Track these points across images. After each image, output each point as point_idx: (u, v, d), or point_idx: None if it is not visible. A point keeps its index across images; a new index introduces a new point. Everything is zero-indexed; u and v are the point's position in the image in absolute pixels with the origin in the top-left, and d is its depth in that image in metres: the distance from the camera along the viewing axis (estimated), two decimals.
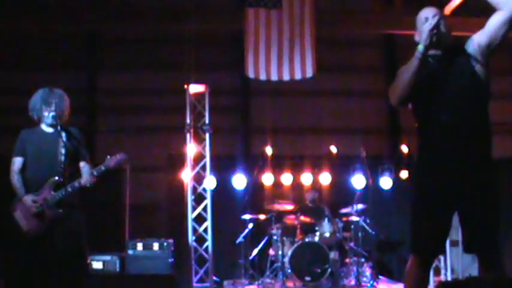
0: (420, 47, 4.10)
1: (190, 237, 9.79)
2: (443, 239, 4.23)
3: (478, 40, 4.18)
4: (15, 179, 5.57)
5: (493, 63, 4.26)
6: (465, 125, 4.09)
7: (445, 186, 4.08)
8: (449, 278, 9.73)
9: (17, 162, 5.60)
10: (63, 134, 5.57)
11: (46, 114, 5.58)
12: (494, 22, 4.12)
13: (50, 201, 5.42)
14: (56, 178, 5.46)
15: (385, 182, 11.37)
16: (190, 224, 9.82)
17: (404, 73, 4.19)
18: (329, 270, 9.45)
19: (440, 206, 4.10)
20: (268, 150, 11.21)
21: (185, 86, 10.05)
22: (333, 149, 11.20)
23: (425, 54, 4.11)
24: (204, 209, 9.92)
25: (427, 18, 4.21)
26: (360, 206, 10.10)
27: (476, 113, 4.14)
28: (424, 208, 4.15)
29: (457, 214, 4.16)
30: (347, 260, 9.98)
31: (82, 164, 5.70)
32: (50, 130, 5.63)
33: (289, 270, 9.53)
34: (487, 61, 4.17)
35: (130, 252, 8.99)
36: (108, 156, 5.62)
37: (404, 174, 11.35)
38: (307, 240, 9.81)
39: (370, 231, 10.28)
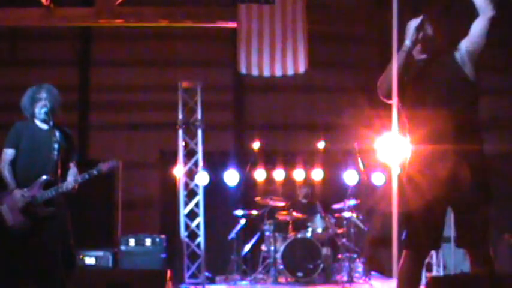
0: (407, 42, 4.30)
1: (183, 233, 9.80)
2: (438, 235, 4.26)
3: (465, 46, 4.27)
4: (6, 170, 5.48)
5: (487, 59, 4.32)
6: (457, 123, 4.12)
7: (438, 181, 4.11)
8: (441, 274, 9.75)
9: (9, 154, 5.51)
10: (57, 132, 5.55)
11: (37, 110, 5.53)
12: (477, 29, 4.23)
13: (38, 199, 5.39)
14: (46, 177, 5.42)
15: (378, 178, 11.37)
16: (182, 219, 9.83)
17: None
18: (321, 266, 9.48)
19: (434, 202, 4.13)
20: (256, 145, 11.15)
21: (177, 82, 10.05)
22: (321, 145, 11.21)
23: (412, 49, 4.30)
24: (197, 204, 9.93)
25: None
26: (352, 202, 10.11)
27: (467, 112, 4.20)
28: (419, 204, 4.17)
29: (451, 209, 4.19)
30: (339, 256, 9.99)
31: (71, 165, 5.69)
32: (45, 127, 5.57)
33: (281, 266, 9.55)
34: (475, 63, 4.25)
35: (122, 248, 9.01)
36: (101, 162, 5.61)
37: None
38: (299, 236, 9.82)
39: (362, 227, 10.30)
